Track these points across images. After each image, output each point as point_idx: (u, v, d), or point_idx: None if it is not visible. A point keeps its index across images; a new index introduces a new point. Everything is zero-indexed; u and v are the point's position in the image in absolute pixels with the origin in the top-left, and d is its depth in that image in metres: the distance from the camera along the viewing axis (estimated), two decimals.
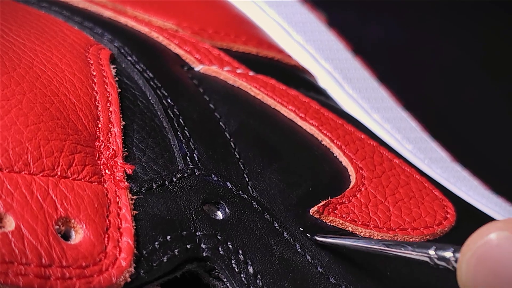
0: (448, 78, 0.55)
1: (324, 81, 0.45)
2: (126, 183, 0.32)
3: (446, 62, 0.56)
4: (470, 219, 0.38)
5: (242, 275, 0.31)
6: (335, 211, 0.35)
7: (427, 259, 0.30)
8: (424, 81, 0.55)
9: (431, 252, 0.29)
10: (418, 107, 0.48)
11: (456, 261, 0.28)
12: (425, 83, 0.55)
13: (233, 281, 0.31)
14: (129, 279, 0.29)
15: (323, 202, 0.35)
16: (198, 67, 0.40)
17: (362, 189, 0.37)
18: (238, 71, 0.41)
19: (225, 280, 0.31)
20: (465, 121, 0.54)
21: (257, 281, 0.31)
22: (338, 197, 0.36)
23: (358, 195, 0.36)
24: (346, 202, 0.36)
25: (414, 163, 0.42)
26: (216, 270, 0.32)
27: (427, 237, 0.36)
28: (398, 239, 0.35)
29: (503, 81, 0.55)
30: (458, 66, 0.55)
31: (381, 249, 0.32)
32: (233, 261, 0.32)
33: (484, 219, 0.39)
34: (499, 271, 0.24)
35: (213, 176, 0.34)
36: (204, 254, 0.31)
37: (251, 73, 0.41)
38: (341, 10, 0.56)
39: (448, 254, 0.29)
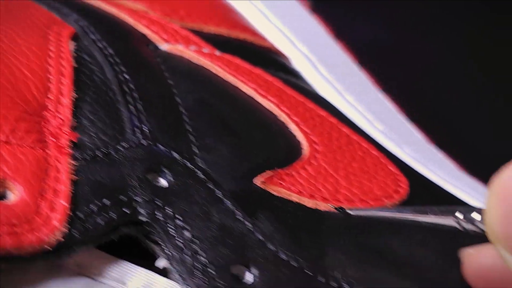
0: (440, 78, 0.55)
1: (299, 63, 0.46)
2: (68, 149, 0.33)
3: (437, 62, 0.56)
4: (424, 195, 0.38)
5: (178, 240, 0.32)
6: (282, 182, 0.36)
7: (455, 224, 0.29)
8: (417, 81, 0.55)
9: (459, 215, 0.29)
10: (415, 106, 0.49)
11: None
12: (419, 84, 0.55)
13: (169, 245, 0.32)
14: (62, 239, 0.30)
15: (270, 173, 0.36)
16: (164, 46, 0.41)
17: (314, 162, 0.37)
18: (204, 50, 0.42)
19: (161, 244, 0.32)
20: (458, 120, 0.54)
21: (193, 245, 0.32)
22: (287, 168, 0.36)
23: (308, 168, 0.37)
24: (295, 174, 0.36)
25: (383, 143, 0.42)
26: (154, 234, 0.32)
27: None
28: None
29: (496, 80, 0.55)
30: (450, 66, 0.55)
31: (409, 217, 0.32)
32: (170, 226, 0.32)
33: (442, 196, 0.39)
34: None
35: (160, 146, 0.35)
36: (142, 219, 0.32)
37: (217, 53, 0.42)
38: (341, 10, 0.57)
39: (476, 215, 0.28)
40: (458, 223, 0.29)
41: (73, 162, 0.33)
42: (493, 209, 0.25)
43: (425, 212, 0.31)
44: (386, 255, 0.35)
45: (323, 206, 0.36)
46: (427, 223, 0.31)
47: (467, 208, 0.29)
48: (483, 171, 0.46)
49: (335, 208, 0.35)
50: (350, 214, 0.35)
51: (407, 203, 0.37)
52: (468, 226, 0.29)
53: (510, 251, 0.25)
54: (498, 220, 0.25)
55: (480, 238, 0.29)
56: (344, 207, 0.35)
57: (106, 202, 0.32)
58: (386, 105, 0.47)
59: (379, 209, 0.34)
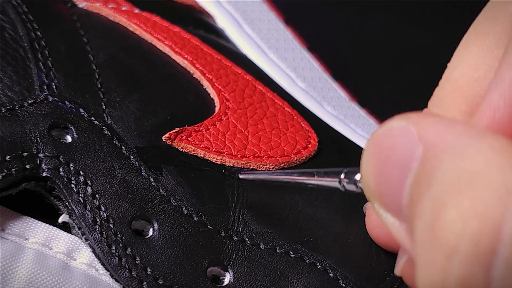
0: (366, 37, 0.55)
1: (223, 21, 0.46)
2: None
3: (440, 57, 0.56)
4: (333, 150, 0.39)
5: (80, 195, 0.33)
6: (189, 138, 0.36)
7: (337, 185, 0.30)
8: (424, 80, 0.55)
9: (342, 176, 0.29)
10: (339, 64, 0.49)
11: None
12: (425, 83, 0.55)
13: (70, 201, 0.32)
14: None
15: (177, 129, 0.36)
16: (82, 4, 0.41)
17: (224, 118, 0.37)
18: (123, 8, 0.42)
19: (64, 199, 0.33)
20: (381, 79, 0.55)
21: (95, 201, 0.33)
22: (196, 125, 0.37)
23: (217, 124, 0.37)
24: (203, 130, 0.37)
25: (303, 101, 0.43)
26: (56, 190, 0.33)
27: (282, 165, 0.37)
28: (251, 167, 0.36)
29: (414, 41, 0.56)
30: (376, 25, 0.55)
31: (296, 178, 0.33)
32: (72, 182, 0.33)
33: (350, 151, 0.39)
34: (391, 157, 0.25)
35: (66, 102, 0.35)
36: (44, 174, 0.33)
37: (136, 11, 0.42)
38: (341, 10, 0.57)
39: (358, 176, 0.28)
40: (341, 184, 0.29)
41: None
42: (367, 166, 0.26)
43: (311, 175, 0.31)
44: (290, 211, 0.35)
45: (229, 162, 0.36)
46: (313, 184, 0.31)
47: (352, 169, 0.29)
48: None
49: (226, 173, 0.36)
50: (239, 178, 0.35)
51: (314, 159, 0.38)
52: (350, 187, 0.29)
53: (384, 208, 0.26)
54: (371, 177, 0.26)
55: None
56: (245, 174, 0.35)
57: (6, 157, 0.32)
58: (310, 63, 0.47)
59: (267, 172, 0.35)
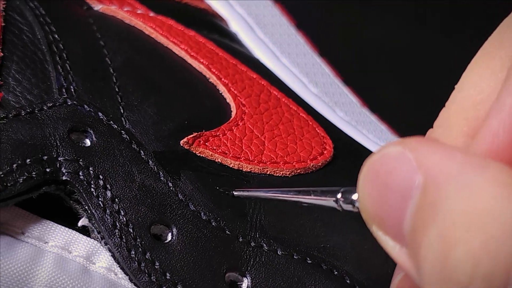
0: (444, 80, 0.55)
1: (236, 25, 0.46)
2: None
3: (448, 62, 0.56)
4: (348, 157, 0.39)
5: (100, 199, 0.33)
6: (206, 143, 0.36)
7: (334, 205, 0.29)
8: (425, 81, 0.56)
9: (338, 195, 0.29)
10: (412, 108, 0.49)
11: None
12: (427, 83, 0.56)
13: (90, 205, 0.32)
14: None
15: (195, 134, 0.36)
16: (98, 7, 0.41)
17: (240, 124, 0.38)
18: (138, 11, 0.42)
19: (83, 203, 0.33)
20: (392, 84, 0.55)
21: (114, 205, 0.33)
22: (213, 130, 0.37)
23: (234, 129, 0.37)
24: (220, 135, 0.37)
25: (315, 106, 0.43)
26: (76, 194, 0.33)
27: (298, 171, 0.37)
28: (268, 172, 0.36)
29: (426, 46, 0.56)
30: (454, 68, 0.55)
31: (292, 196, 0.32)
32: (92, 186, 0.33)
33: (366, 156, 0.40)
34: (389, 183, 0.25)
35: (85, 106, 0.35)
36: (64, 178, 0.33)
37: (151, 14, 0.42)
38: (341, 10, 0.57)
39: (355, 196, 0.28)
40: (338, 203, 0.29)
41: None
42: (364, 190, 0.26)
43: (308, 193, 0.31)
44: (306, 217, 0.35)
45: (246, 168, 0.36)
46: (309, 204, 0.31)
47: (349, 189, 0.29)
48: (415, 134, 0.47)
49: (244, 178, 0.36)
50: (234, 195, 0.35)
51: (330, 165, 0.38)
52: (347, 207, 0.28)
53: (383, 231, 0.26)
54: (369, 202, 0.26)
55: None
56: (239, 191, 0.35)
57: (27, 161, 0.32)
58: (321, 68, 0.47)
59: (262, 190, 0.34)
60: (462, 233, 0.22)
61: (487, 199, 0.22)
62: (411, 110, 0.52)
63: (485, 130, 0.26)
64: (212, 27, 0.44)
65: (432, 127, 0.33)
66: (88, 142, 0.34)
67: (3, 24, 0.37)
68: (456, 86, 0.31)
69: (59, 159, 0.33)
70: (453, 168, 0.23)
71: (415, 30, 0.55)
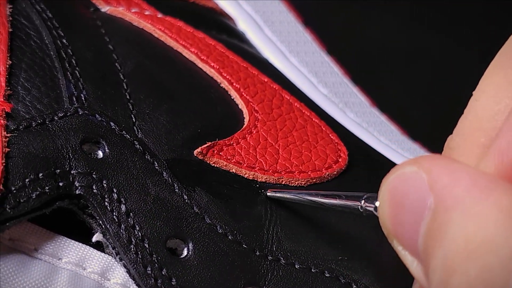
0: (451, 78, 0.54)
1: (243, 24, 0.45)
2: (1, 120, 0.32)
3: (456, 61, 0.55)
4: (363, 164, 0.38)
5: (114, 214, 0.32)
6: (220, 153, 0.35)
7: (358, 207, 0.30)
8: (426, 81, 0.55)
9: (362, 201, 0.30)
10: (420, 107, 0.49)
11: None
12: (427, 84, 0.55)
13: (104, 219, 0.32)
14: None
15: (208, 144, 0.35)
16: (105, 8, 0.40)
17: (254, 131, 0.37)
18: (146, 12, 0.41)
19: (97, 218, 0.32)
20: (401, 84, 0.54)
21: (129, 219, 0.32)
22: (226, 139, 0.36)
23: (248, 138, 0.36)
24: (234, 144, 0.36)
25: (325, 108, 0.42)
26: (89, 208, 0.32)
27: (314, 180, 0.36)
28: (283, 182, 0.36)
29: (435, 44, 0.55)
30: (460, 66, 0.55)
31: (320, 200, 0.33)
32: (106, 200, 0.32)
33: (380, 163, 0.39)
34: (405, 202, 0.26)
35: (96, 115, 0.34)
36: (77, 192, 0.32)
37: (159, 15, 0.41)
38: (347, 7, 0.56)
39: (377, 203, 0.29)
40: (362, 209, 0.30)
41: (6, 133, 0.32)
42: (383, 208, 0.27)
43: (334, 197, 0.32)
44: (323, 229, 0.35)
45: (261, 178, 0.35)
46: (335, 206, 0.32)
47: (372, 195, 0.30)
48: (425, 135, 0.46)
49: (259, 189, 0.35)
50: (267, 195, 0.35)
51: (345, 174, 0.37)
52: (370, 213, 0.30)
53: (402, 246, 0.27)
54: (388, 219, 0.27)
55: None
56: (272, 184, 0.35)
57: (39, 175, 0.31)
58: (330, 67, 0.46)
59: (293, 192, 0.35)
60: (462, 260, 0.23)
61: (489, 228, 0.23)
62: (419, 109, 0.51)
63: (494, 149, 0.26)
64: (220, 26, 0.43)
65: (451, 133, 0.32)
66: (100, 154, 0.33)
67: (10, 30, 0.36)
68: (474, 93, 0.31)
69: (72, 172, 0.32)
70: (460, 192, 0.24)
71: (421, 30, 0.55)
